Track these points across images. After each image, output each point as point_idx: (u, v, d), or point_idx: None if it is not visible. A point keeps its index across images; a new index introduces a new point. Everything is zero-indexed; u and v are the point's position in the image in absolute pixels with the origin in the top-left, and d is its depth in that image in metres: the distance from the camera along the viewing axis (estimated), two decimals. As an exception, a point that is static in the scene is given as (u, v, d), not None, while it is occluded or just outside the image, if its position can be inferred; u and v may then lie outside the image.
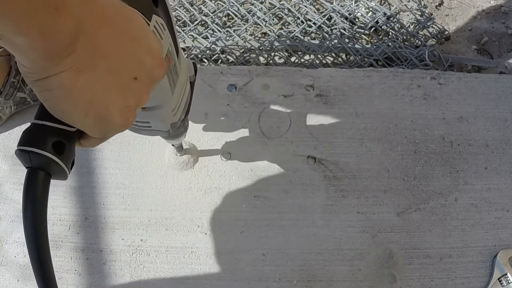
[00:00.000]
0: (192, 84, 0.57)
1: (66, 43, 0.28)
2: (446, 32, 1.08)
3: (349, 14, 1.06)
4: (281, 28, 1.06)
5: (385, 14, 1.06)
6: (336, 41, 1.02)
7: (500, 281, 0.71)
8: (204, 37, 1.02)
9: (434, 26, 1.07)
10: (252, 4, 1.08)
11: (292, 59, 1.01)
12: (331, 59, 1.02)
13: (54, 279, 0.33)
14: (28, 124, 0.34)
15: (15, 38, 0.26)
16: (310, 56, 1.01)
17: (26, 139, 0.32)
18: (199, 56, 1.00)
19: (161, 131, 0.54)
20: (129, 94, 0.34)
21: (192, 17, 1.07)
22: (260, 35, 1.05)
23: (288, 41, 1.01)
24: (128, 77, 0.34)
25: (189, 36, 1.01)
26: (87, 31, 0.29)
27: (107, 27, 0.31)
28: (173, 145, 0.73)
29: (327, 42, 1.01)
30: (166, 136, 0.60)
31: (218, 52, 1.00)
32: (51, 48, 0.28)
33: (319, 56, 1.01)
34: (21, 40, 0.27)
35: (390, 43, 1.02)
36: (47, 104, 0.32)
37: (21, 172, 0.79)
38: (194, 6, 1.08)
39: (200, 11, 1.07)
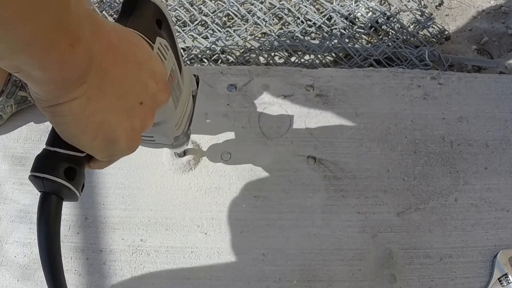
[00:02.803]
0: (194, 98, 0.59)
1: (80, 74, 0.29)
2: (446, 32, 1.08)
3: (349, 14, 1.06)
4: (281, 28, 1.06)
5: (385, 14, 1.06)
6: (336, 41, 1.02)
7: (500, 281, 0.71)
8: (204, 37, 1.02)
9: (434, 26, 1.07)
10: (252, 4, 1.08)
11: (292, 59, 1.01)
12: (331, 59, 1.02)
13: None
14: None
15: (32, 71, 0.27)
16: (310, 56, 1.01)
17: (39, 165, 0.34)
18: (199, 56, 1.00)
19: (165, 144, 0.55)
20: (135, 118, 0.36)
21: (192, 17, 1.07)
22: (260, 35, 1.05)
23: (288, 41, 1.01)
24: (135, 102, 0.35)
25: (189, 36, 1.01)
26: (97, 60, 0.30)
27: (113, 54, 0.32)
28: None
29: (327, 42, 1.01)
30: (169, 146, 0.61)
31: (218, 52, 1.00)
32: (66, 79, 0.29)
33: (319, 56, 1.01)
34: (38, 73, 0.27)
35: (390, 43, 1.02)
36: (58, 129, 0.33)
37: (21, 172, 0.79)
38: (194, 6, 1.08)
39: (200, 11, 1.07)
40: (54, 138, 0.34)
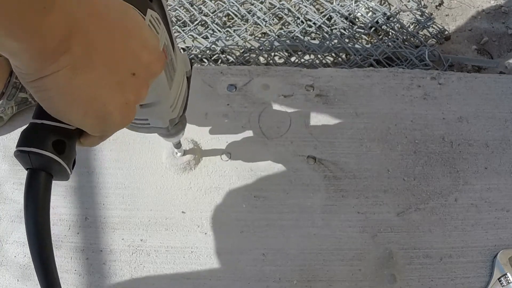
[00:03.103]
0: (188, 79, 0.56)
1: (58, 42, 0.27)
2: (446, 32, 1.08)
3: (349, 14, 1.06)
4: (281, 28, 1.06)
5: (385, 14, 1.06)
6: (336, 41, 1.02)
7: (500, 281, 0.71)
8: (204, 37, 1.02)
9: (434, 26, 1.07)
10: (252, 4, 1.08)
11: (292, 59, 1.01)
12: (331, 59, 1.02)
13: (58, 282, 0.33)
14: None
15: (5, 42, 0.26)
16: (310, 56, 1.01)
17: (25, 139, 0.31)
18: (199, 56, 1.00)
19: (160, 128, 0.53)
20: (127, 91, 0.33)
21: (192, 17, 1.07)
22: (260, 35, 1.05)
23: (288, 41, 1.01)
24: (126, 73, 0.33)
25: (189, 36, 1.01)
26: (81, 28, 0.28)
27: (99, 22, 0.30)
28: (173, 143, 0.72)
29: (327, 42, 1.01)
30: (165, 134, 0.60)
31: (218, 52, 1.00)
32: (43, 48, 0.27)
33: (319, 56, 1.01)
34: (11, 43, 0.26)
35: (390, 43, 1.02)
36: (44, 105, 0.31)
37: (21, 172, 0.79)
38: (194, 6, 1.08)
39: (200, 11, 1.07)
40: (41, 110, 0.31)
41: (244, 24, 1.05)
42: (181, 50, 1.02)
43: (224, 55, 1.01)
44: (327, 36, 1.03)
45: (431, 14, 1.11)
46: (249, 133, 0.82)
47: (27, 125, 0.32)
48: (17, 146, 0.31)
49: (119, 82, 0.32)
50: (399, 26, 1.06)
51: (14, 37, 0.25)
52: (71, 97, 0.30)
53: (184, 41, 1.01)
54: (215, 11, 1.06)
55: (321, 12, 1.07)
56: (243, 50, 1.01)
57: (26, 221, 0.31)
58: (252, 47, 1.01)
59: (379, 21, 1.06)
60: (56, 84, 0.29)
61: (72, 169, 0.34)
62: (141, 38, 0.34)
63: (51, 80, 0.28)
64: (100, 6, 0.30)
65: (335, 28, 1.05)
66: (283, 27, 1.06)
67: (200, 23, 1.06)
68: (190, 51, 1.00)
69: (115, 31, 0.31)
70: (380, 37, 1.06)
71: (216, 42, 1.00)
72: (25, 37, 0.25)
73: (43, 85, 0.29)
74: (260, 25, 1.04)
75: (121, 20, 0.32)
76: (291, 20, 1.05)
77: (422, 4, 1.11)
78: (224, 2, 1.07)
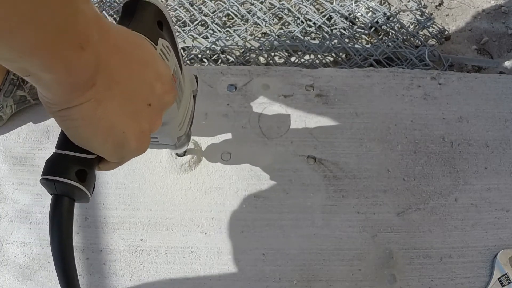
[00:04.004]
0: (194, 98, 0.59)
1: (89, 77, 0.29)
2: (446, 32, 1.08)
3: (349, 14, 1.06)
4: (281, 28, 1.06)
5: (385, 14, 1.06)
6: (336, 41, 1.02)
7: (500, 281, 0.71)
8: (204, 37, 1.02)
9: (434, 26, 1.07)
10: (252, 4, 1.08)
11: (292, 59, 1.01)
12: (331, 59, 1.02)
13: None
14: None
15: (42, 75, 0.27)
16: (310, 56, 1.01)
17: (51, 168, 0.34)
18: (199, 56, 1.00)
19: (168, 145, 0.56)
20: (143, 120, 0.36)
21: (192, 17, 1.07)
22: (260, 35, 1.05)
23: (288, 41, 1.01)
24: (142, 104, 0.35)
25: (189, 36, 1.01)
26: (105, 63, 0.30)
27: (119, 56, 0.32)
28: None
29: (327, 42, 1.01)
30: (172, 148, 0.62)
31: (218, 52, 1.00)
32: (75, 82, 0.29)
33: (319, 56, 1.01)
34: (48, 76, 0.27)
35: (390, 43, 1.02)
36: (68, 132, 0.33)
37: (21, 172, 0.79)
38: (194, 6, 1.08)
39: (200, 11, 1.07)
40: (64, 141, 0.34)
41: (244, 24, 1.05)
42: (183, 54, 1.02)
43: (224, 55, 1.01)
44: (327, 36, 1.03)
45: (431, 14, 1.11)
46: (249, 133, 0.82)
47: (52, 154, 0.35)
48: (43, 174, 0.34)
49: (136, 112, 0.35)
50: (399, 26, 1.06)
51: (50, 70, 0.27)
52: (93, 126, 0.32)
53: (184, 41, 1.01)
54: (215, 11, 1.06)
55: (321, 12, 1.07)
56: (243, 50, 1.01)
57: (51, 241, 0.34)
58: (252, 47, 1.01)
59: (379, 21, 1.06)
60: (82, 115, 0.31)
61: (92, 192, 0.37)
62: (155, 70, 0.36)
63: (77, 111, 0.30)
64: (120, 40, 0.32)
65: (335, 28, 1.05)
66: (283, 27, 1.06)
67: (200, 23, 1.06)
68: (190, 51, 1.00)
69: (133, 64, 0.34)
70: (380, 37, 1.06)
71: (216, 42, 1.00)
72: (60, 71, 0.27)
73: (69, 115, 0.31)
74: (260, 25, 1.04)
75: (137, 53, 0.35)
76: (291, 20, 1.05)
77: (422, 4, 1.11)
78: (224, 2, 1.07)
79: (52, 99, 0.30)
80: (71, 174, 0.34)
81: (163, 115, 0.42)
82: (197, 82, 0.59)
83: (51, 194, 0.34)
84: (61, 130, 0.35)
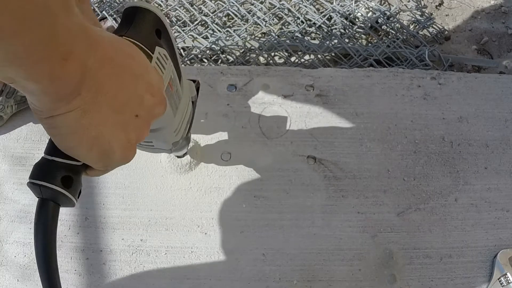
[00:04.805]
0: (194, 104, 0.59)
1: (73, 87, 0.30)
2: (446, 32, 1.08)
3: (349, 14, 1.06)
4: (281, 28, 1.06)
5: (385, 14, 1.06)
6: (336, 41, 1.02)
7: (500, 281, 0.71)
8: (204, 37, 1.02)
9: (434, 26, 1.07)
10: (252, 4, 1.08)
11: (292, 59, 1.01)
12: (331, 59, 1.02)
13: None
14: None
15: (26, 84, 0.28)
16: (310, 56, 1.01)
17: (37, 173, 0.35)
18: (199, 56, 1.00)
19: (164, 150, 0.56)
20: (130, 130, 0.36)
21: (192, 17, 1.07)
22: (260, 35, 1.05)
23: (288, 41, 1.01)
24: (130, 115, 0.36)
25: (189, 36, 1.01)
26: (92, 74, 0.30)
27: (108, 66, 0.32)
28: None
29: (327, 42, 1.01)
30: (168, 152, 0.62)
31: (218, 52, 1.00)
32: (59, 92, 0.29)
33: (319, 56, 1.01)
34: (32, 85, 0.28)
35: (390, 43, 1.02)
36: (55, 140, 0.34)
37: (21, 172, 0.79)
38: (194, 6, 1.08)
39: (200, 11, 1.07)
40: (52, 147, 0.35)
41: (244, 24, 1.05)
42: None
43: (224, 55, 1.00)
44: (327, 36, 1.03)
45: (431, 14, 1.11)
46: (249, 133, 0.82)
47: (40, 159, 0.36)
48: (30, 177, 0.35)
49: (123, 123, 0.35)
50: (399, 26, 1.06)
51: (35, 80, 0.28)
52: (78, 135, 0.33)
53: (184, 41, 1.01)
54: (215, 11, 1.06)
55: (321, 12, 1.07)
56: (243, 50, 1.01)
57: (35, 243, 0.35)
58: (252, 47, 1.01)
59: (379, 21, 1.06)
60: (66, 123, 0.31)
61: (78, 198, 0.37)
62: (147, 81, 0.37)
63: (62, 119, 0.31)
64: (111, 51, 0.32)
65: (335, 28, 1.05)
66: (283, 27, 1.06)
67: (200, 23, 1.06)
68: (190, 51, 1.00)
69: (123, 75, 0.34)
70: (380, 37, 1.06)
71: (216, 42, 1.00)
72: (44, 81, 0.28)
73: (54, 123, 0.31)
74: (260, 25, 1.04)
75: (129, 65, 0.35)
76: (291, 20, 1.05)
77: (422, 4, 1.11)
78: (224, 2, 1.07)
79: (39, 106, 0.30)
80: (57, 180, 0.35)
81: (158, 121, 0.42)
82: (198, 89, 0.59)
83: (37, 198, 0.35)
84: None
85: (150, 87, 0.37)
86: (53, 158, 0.35)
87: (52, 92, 0.29)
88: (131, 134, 0.36)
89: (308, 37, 1.04)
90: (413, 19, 1.08)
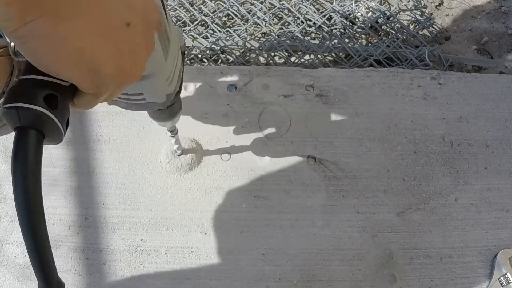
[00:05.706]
0: (183, 54, 0.54)
1: None
2: (446, 32, 1.08)
3: (349, 14, 1.06)
4: (281, 28, 1.06)
5: (385, 14, 1.06)
6: (336, 41, 1.02)
7: (500, 281, 0.71)
8: (204, 37, 1.02)
9: (434, 26, 1.07)
10: (252, 4, 1.08)
11: (292, 59, 1.01)
12: (331, 59, 1.02)
13: (52, 261, 0.30)
14: None
15: None
16: (310, 56, 1.01)
17: (13, 95, 0.27)
18: (199, 56, 1.00)
19: (157, 103, 0.50)
20: (121, 41, 0.31)
21: (192, 17, 1.07)
22: (260, 35, 1.05)
23: (288, 41, 1.01)
24: (119, 23, 0.30)
25: (189, 36, 1.01)
26: None
27: None
28: (170, 136, 0.71)
29: (327, 42, 1.01)
30: (161, 117, 0.58)
31: (218, 52, 1.00)
32: None
33: (319, 56, 1.01)
34: None
35: (390, 43, 1.02)
36: (30, 58, 0.28)
37: (21, 172, 0.79)
38: (194, 6, 1.08)
39: (200, 11, 1.07)
40: (29, 67, 0.28)
41: (244, 24, 1.05)
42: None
43: (224, 55, 1.00)
44: (327, 36, 1.03)
45: (431, 14, 1.11)
46: (249, 133, 0.82)
47: (14, 83, 0.28)
48: (4, 103, 0.27)
49: (111, 32, 0.30)
50: (399, 26, 1.06)
51: None
52: (56, 47, 0.27)
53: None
54: (215, 11, 1.06)
55: (321, 12, 1.07)
56: (243, 50, 1.01)
57: (14, 187, 0.27)
58: (252, 47, 1.01)
59: (379, 21, 1.06)
60: (38, 33, 0.26)
61: (66, 129, 0.30)
62: None
63: (32, 28, 0.26)
64: None
65: (335, 28, 1.05)
66: (283, 27, 1.06)
67: (200, 23, 1.06)
68: (190, 51, 1.00)
69: None
70: (380, 37, 1.06)
71: (216, 42, 1.00)
72: None
73: (25, 34, 0.26)
74: (260, 25, 1.04)
75: None
76: (291, 20, 1.05)
77: (422, 4, 1.11)
78: (224, 2, 1.07)
79: (4, 14, 0.25)
80: (38, 99, 0.27)
81: (149, 64, 0.37)
82: (185, 49, 0.53)
83: (14, 130, 0.28)
84: None
85: None
86: (32, 76, 0.28)
87: None
88: (123, 44, 0.31)
89: (308, 37, 1.04)
90: (413, 19, 1.08)
